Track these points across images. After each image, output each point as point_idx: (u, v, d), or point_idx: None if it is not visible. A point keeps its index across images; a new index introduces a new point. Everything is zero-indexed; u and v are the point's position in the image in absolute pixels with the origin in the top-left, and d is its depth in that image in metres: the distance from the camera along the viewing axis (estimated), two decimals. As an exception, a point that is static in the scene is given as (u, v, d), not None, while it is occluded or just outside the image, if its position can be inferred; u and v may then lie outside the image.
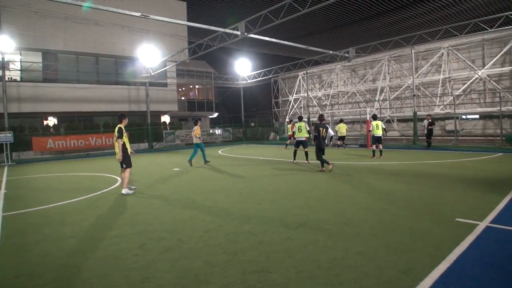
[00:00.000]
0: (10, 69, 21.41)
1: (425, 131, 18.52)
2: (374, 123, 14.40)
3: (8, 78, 21.35)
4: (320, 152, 10.87)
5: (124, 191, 8.32)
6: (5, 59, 19.40)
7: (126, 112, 25.74)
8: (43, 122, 23.70)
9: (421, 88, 24.58)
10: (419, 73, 24.38)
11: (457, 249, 4.08)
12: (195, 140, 13.74)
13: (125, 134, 8.35)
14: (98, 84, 24.42)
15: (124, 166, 8.39)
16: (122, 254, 4.31)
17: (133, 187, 8.80)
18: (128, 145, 8.44)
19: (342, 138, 20.86)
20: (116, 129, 8.22)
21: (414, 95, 21.20)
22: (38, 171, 14.17)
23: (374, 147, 14.55)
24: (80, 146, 22.10)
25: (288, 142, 20.91)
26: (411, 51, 21.22)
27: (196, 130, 13.45)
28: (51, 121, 24.14)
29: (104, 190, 8.92)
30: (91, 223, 5.81)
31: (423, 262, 3.75)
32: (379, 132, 14.21)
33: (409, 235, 4.65)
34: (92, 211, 6.65)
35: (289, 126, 20.91)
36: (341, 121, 21.52)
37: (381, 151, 14.30)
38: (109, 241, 4.84)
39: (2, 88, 18.94)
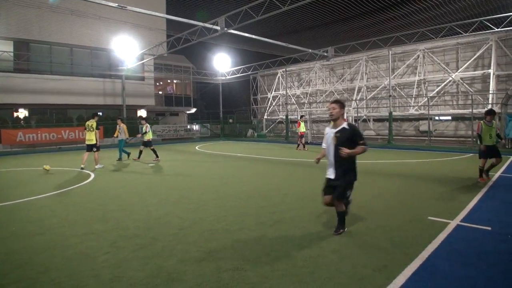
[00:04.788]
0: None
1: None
2: (487, 126, 8.43)
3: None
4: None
5: (98, 166, 11.66)
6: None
7: (101, 105, 25.16)
8: (13, 114, 22.76)
9: (397, 88, 25.09)
10: (395, 74, 24.88)
11: (429, 247, 4.16)
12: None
13: None
14: (72, 76, 23.63)
15: (96, 149, 11.56)
16: (92, 252, 4.16)
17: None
18: None
19: None
20: (95, 123, 11.49)
21: (390, 96, 21.60)
22: (6, 165, 13.59)
23: (483, 163, 8.42)
24: (52, 140, 21.32)
25: (300, 141, 18.57)
26: (388, 52, 21.61)
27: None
28: (22, 113, 23.22)
29: (75, 186, 8.65)
30: (60, 220, 5.60)
31: (397, 260, 3.80)
32: (493, 141, 8.44)
33: (383, 233, 4.71)
34: (61, 207, 6.42)
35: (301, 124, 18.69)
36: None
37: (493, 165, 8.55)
38: (79, 238, 4.66)
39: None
